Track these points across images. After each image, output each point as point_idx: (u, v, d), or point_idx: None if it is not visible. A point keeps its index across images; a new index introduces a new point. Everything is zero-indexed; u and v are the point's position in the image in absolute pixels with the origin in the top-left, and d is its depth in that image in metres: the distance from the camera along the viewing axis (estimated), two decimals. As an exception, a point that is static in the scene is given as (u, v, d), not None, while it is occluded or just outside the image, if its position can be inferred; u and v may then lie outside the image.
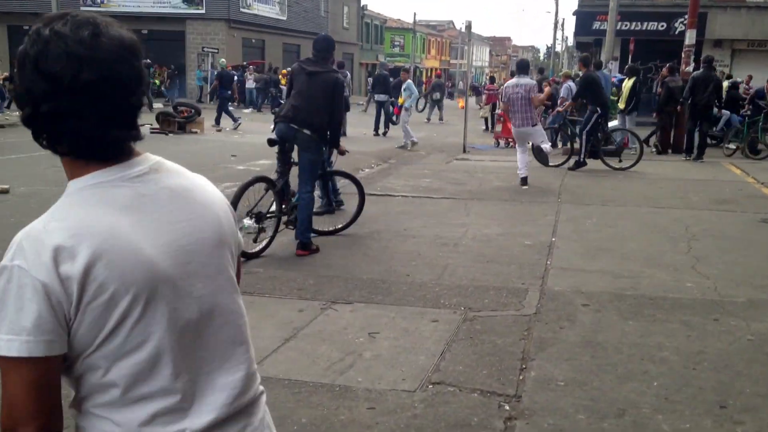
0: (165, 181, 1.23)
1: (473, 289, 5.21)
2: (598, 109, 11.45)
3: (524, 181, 10.14)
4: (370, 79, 24.49)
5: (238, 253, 1.36)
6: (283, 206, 6.40)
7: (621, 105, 14.37)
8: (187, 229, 1.22)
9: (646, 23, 26.67)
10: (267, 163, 12.50)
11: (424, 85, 55.40)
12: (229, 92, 19.76)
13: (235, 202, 6.04)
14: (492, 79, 29.67)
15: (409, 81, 17.23)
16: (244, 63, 30.90)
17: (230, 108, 19.59)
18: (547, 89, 13.26)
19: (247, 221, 6.25)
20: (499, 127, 16.77)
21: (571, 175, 11.15)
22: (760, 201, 9.01)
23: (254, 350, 1.35)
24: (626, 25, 26.08)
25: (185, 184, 1.26)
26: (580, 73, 12.74)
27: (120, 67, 1.13)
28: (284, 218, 6.46)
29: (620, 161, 11.77)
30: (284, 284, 5.28)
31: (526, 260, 6.03)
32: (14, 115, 20.72)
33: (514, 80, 10.55)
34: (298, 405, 3.34)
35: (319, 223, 6.95)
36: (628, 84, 14.24)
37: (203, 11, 32.36)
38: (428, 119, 25.16)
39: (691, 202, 8.89)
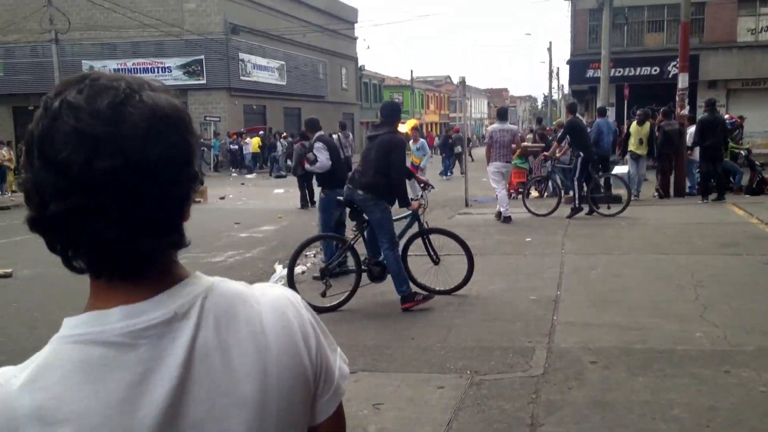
0: (192, 333, 0.87)
1: (479, 350, 5.14)
2: (581, 153, 11.67)
3: (507, 219, 11.43)
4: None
5: (321, 412, 0.99)
6: (364, 261, 6.64)
7: (638, 150, 14.45)
8: (198, 416, 0.86)
9: (638, 68, 27.12)
10: (270, 228, 12.59)
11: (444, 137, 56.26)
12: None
13: (293, 259, 6.61)
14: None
15: (422, 140, 17.28)
16: (242, 130, 31.43)
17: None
18: (520, 146, 13.53)
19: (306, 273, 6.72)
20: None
21: (573, 225, 11.13)
22: (765, 242, 8.95)
23: None
24: (620, 71, 26.51)
25: (216, 342, 0.88)
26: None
27: (153, 146, 0.82)
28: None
29: (609, 207, 11.80)
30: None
31: (532, 316, 5.96)
32: (18, 196, 20.96)
33: (498, 125, 11.93)
34: (302, 487, 3.26)
35: (434, 282, 6.89)
36: (642, 130, 14.38)
37: (204, 81, 33.09)
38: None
39: (696, 246, 8.84)
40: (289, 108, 40.05)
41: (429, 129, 67.77)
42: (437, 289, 6.85)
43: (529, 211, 12.07)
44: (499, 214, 11.65)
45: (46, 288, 8.07)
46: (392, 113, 6.60)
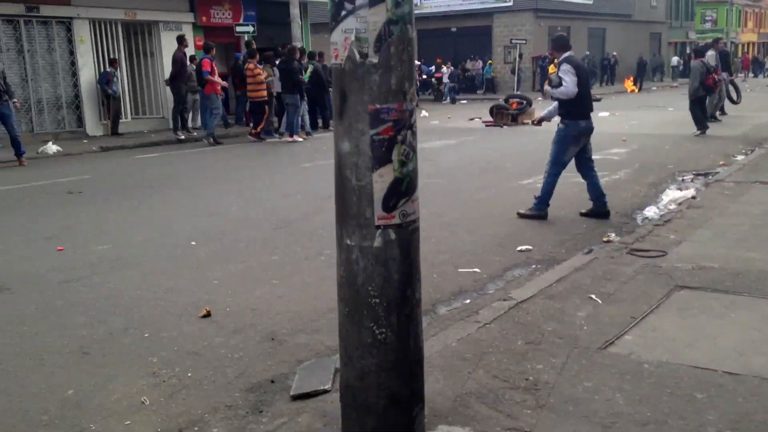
0: None
1: None
2: None
3: None
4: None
5: None
6: None
7: None
8: None
9: None
10: (621, 151, 12.03)
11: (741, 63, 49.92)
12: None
13: None
14: None
15: None
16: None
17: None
18: None
19: None
20: None
21: None
22: None
23: None
24: None
25: None
26: None
27: None
28: None
29: None
30: (756, 283, 4.75)
31: None
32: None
33: None
34: None
35: None
36: None
37: (510, 3, 32.58)
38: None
39: None
40: (594, 29, 37.91)
41: (745, 49, 59.77)
42: None
43: None
44: None
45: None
46: None
